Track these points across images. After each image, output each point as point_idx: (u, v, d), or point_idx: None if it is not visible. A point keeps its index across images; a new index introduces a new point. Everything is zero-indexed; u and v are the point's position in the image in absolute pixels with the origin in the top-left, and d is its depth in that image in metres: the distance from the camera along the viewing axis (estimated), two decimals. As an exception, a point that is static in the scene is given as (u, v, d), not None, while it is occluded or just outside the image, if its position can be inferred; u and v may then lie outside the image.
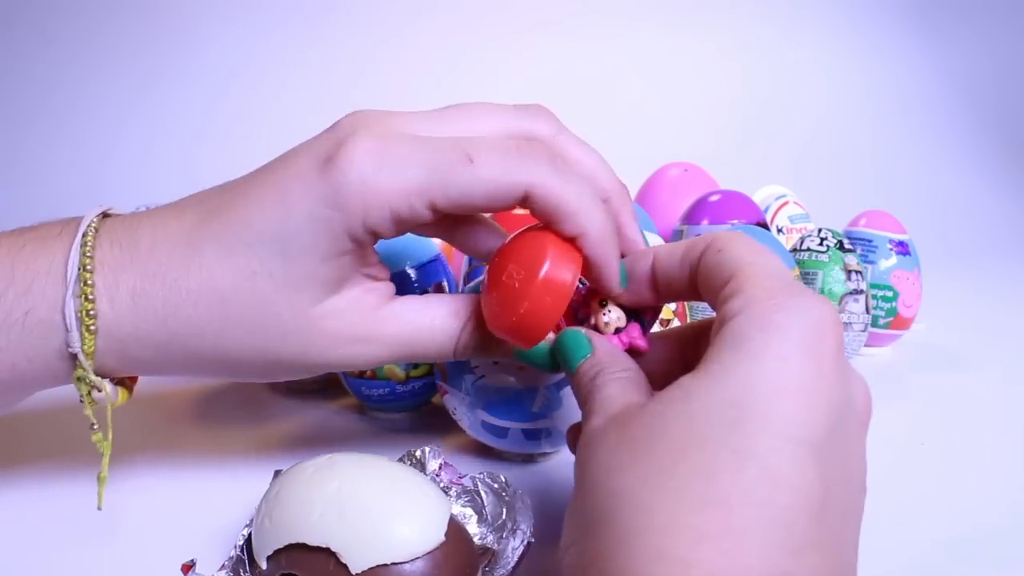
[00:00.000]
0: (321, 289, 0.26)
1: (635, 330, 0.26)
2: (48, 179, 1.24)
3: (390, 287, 0.28)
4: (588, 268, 0.25)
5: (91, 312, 0.25)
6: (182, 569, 0.24)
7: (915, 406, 0.45)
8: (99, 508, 0.28)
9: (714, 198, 0.55)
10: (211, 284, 0.25)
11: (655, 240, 0.45)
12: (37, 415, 0.44)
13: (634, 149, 1.18)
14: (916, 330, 0.58)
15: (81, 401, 0.27)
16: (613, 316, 0.26)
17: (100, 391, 0.27)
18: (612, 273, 0.26)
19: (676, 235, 0.56)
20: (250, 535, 0.25)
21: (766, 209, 0.66)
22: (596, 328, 0.26)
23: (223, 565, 0.25)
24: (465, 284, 0.45)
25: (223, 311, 0.26)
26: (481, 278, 0.36)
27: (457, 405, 0.35)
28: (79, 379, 0.27)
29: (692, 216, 0.55)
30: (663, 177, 0.68)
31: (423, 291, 0.40)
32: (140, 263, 0.26)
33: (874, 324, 0.53)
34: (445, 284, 0.41)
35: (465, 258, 0.47)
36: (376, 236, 0.25)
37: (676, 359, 0.26)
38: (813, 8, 1.45)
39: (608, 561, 0.17)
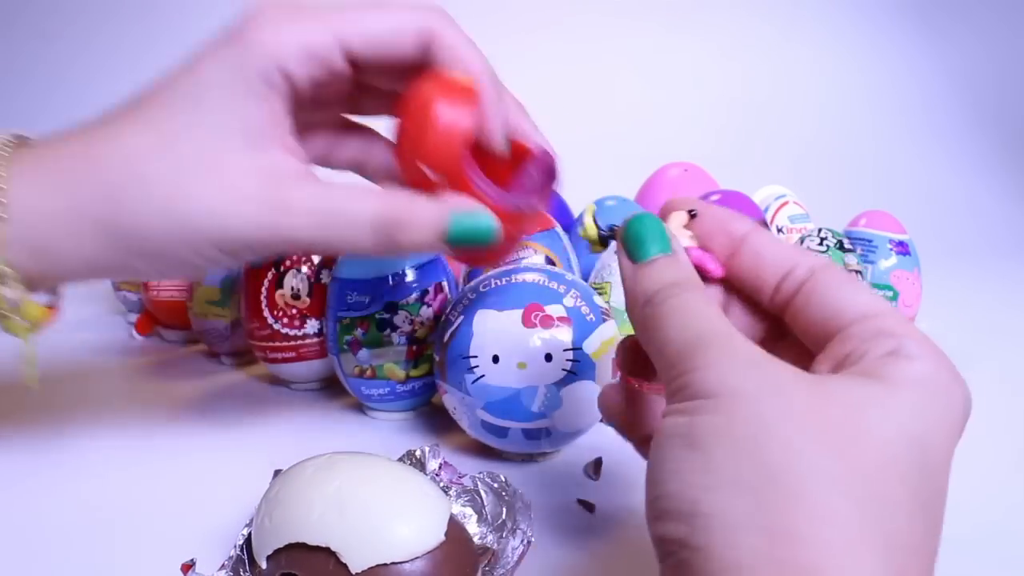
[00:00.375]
0: (234, 139, 0.25)
1: (704, 254, 0.23)
2: (48, 179, 1.23)
3: (308, 168, 0.27)
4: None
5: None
6: (182, 569, 0.24)
7: (915, 406, 0.45)
8: (31, 387, 0.27)
9: (714, 198, 0.55)
10: (122, 145, 0.25)
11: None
12: (39, 416, 0.44)
13: (634, 149, 1.17)
14: (916, 330, 0.58)
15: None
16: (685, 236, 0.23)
17: (5, 285, 0.26)
18: (496, 122, 0.27)
19: (676, 235, 0.56)
20: (250, 535, 0.25)
21: (766, 209, 0.66)
22: None
23: (223, 565, 0.25)
24: (465, 284, 0.45)
25: (134, 170, 0.25)
26: (480, 278, 0.36)
27: (457, 405, 0.35)
28: None
29: (692, 216, 0.55)
30: (663, 177, 0.68)
31: (423, 291, 0.40)
32: (52, 146, 0.27)
33: (874, 324, 0.53)
34: (445, 284, 0.41)
35: (465, 258, 0.47)
36: (291, 79, 0.26)
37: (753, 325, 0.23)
38: (813, 8, 1.45)
39: (782, 520, 0.15)
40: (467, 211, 0.26)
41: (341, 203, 0.26)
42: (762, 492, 0.16)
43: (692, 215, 0.23)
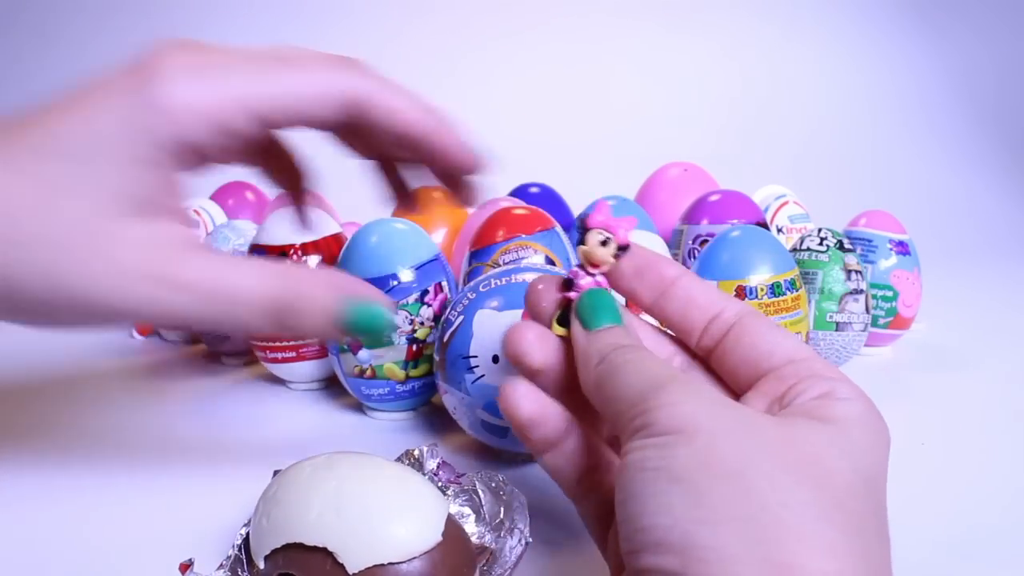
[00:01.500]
0: (118, 205, 0.23)
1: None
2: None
3: (200, 238, 0.26)
4: (436, 151, 0.25)
5: None
6: (180, 568, 0.24)
7: (915, 406, 0.45)
8: None
9: (714, 198, 0.55)
10: (3, 196, 0.23)
11: (654, 239, 0.45)
12: (38, 416, 0.44)
13: (634, 149, 1.17)
14: (916, 330, 0.58)
15: None
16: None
17: None
18: (456, 139, 0.25)
19: (676, 235, 0.56)
20: (248, 534, 0.25)
21: (766, 209, 0.66)
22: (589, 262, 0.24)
23: (221, 564, 0.25)
24: (465, 284, 0.45)
25: (13, 228, 0.23)
26: (480, 278, 0.36)
27: (457, 405, 0.35)
28: None
29: (692, 216, 0.55)
30: (663, 177, 0.68)
31: (423, 291, 0.40)
32: None
33: (874, 324, 0.53)
34: (445, 284, 0.41)
35: (465, 258, 0.47)
36: (189, 147, 0.24)
37: None
38: (813, 8, 1.45)
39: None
40: (362, 299, 0.25)
41: (231, 283, 0.24)
42: (756, 524, 0.16)
43: (623, 249, 0.24)
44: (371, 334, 0.26)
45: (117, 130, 0.23)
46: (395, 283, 0.39)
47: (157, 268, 0.24)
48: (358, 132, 0.27)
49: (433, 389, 0.41)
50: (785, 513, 0.16)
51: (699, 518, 0.16)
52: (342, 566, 0.22)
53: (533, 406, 0.22)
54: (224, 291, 0.24)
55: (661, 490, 0.17)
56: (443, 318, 0.36)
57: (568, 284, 0.25)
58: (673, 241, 0.56)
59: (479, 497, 0.28)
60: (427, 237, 0.43)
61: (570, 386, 0.23)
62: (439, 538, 0.23)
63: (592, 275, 0.24)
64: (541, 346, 0.23)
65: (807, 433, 0.18)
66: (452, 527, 0.24)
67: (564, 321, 0.24)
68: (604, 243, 0.24)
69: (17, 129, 0.24)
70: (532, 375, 0.23)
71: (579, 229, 0.25)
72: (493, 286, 0.35)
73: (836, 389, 0.20)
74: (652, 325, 0.25)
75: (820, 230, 0.50)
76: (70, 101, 0.24)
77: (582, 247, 0.24)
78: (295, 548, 0.23)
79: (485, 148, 0.26)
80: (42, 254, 0.23)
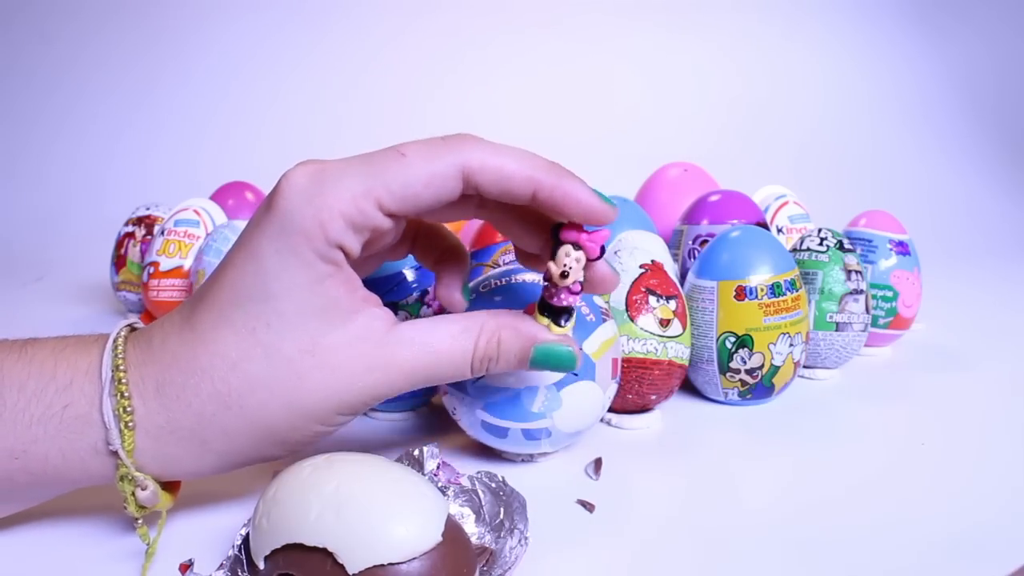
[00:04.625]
0: (320, 322, 0.26)
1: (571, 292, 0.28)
2: (48, 179, 1.24)
3: (390, 314, 0.28)
4: (562, 208, 0.27)
5: (128, 408, 0.26)
6: (180, 569, 0.24)
7: (915, 406, 0.45)
8: None
9: (714, 198, 0.55)
10: (220, 355, 0.26)
11: (654, 239, 0.45)
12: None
13: (634, 149, 1.18)
14: (916, 330, 0.58)
15: (125, 507, 0.27)
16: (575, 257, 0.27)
17: (144, 489, 0.27)
18: (587, 195, 0.27)
19: (676, 235, 0.56)
20: (248, 535, 0.25)
21: (766, 209, 0.66)
22: (556, 276, 0.27)
23: (221, 565, 0.25)
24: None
25: (239, 376, 0.26)
26: (480, 278, 0.36)
27: (457, 405, 0.35)
28: (123, 478, 0.26)
29: (692, 216, 0.55)
30: (663, 177, 0.68)
31: (422, 291, 0.40)
32: (155, 357, 0.27)
33: (874, 324, 0.53)
34: (444, 284, 0.41)
35: (464, 258, 0.47)
36: (345, 251, 0.26)
37: None
38: (813, 8, 1.45)
39: None
40: (549, 345, 0.28)
41: (436, 349, 0.28)
42: None
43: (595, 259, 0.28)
44: (556, 370, 0.29)
45: (281, 263, 0.26)
46: (394, 286, 0.39)
47: (369, 360, 0.27)
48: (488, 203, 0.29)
49: (433, 389, 0.41)
50: None
51: None
52: (342, 566, 0.22)
53: None
54: (433, 360, 0.28)
55: None
56: (443, 318, 0.36)
57: (546, 280, 0.28)
58: (673, 241, 0.56)
59: (479, 497, 0.28)
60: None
61: None
62: (439, 538, 0.23)
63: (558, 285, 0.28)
64: None
65: None
66: (452, 527, 0.24)
67: (544, 309, 0.29)
68: (563, 272, 0.27)
69: (204, 292, 0.27)
70: None
71: (552, 236, 0.28)
72: (493, 286, 0.35)
73: None
74: None
75: (820, 230, 0.50)
76: (233, 251, 0.27)
77: (550, 263, 0.27)
78: (295, 548, 0.23)
79: (609, 198, 0.28)
80: (285, 393, 0.26)
